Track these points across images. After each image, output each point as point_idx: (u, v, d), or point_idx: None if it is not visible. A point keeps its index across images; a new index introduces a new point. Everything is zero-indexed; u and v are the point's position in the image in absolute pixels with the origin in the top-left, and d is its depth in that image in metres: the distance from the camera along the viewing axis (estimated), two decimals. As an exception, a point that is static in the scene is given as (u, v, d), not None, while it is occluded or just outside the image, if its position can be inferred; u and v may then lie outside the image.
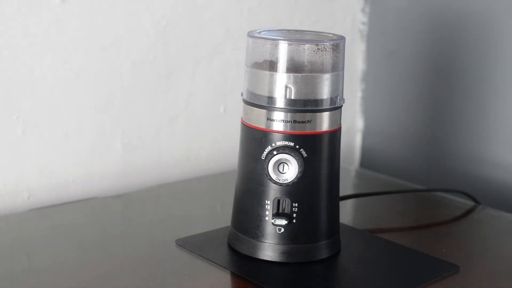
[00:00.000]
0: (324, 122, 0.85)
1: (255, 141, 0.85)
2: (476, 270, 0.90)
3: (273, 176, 0.84)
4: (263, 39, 0.85)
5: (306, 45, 0.83)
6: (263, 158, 0.84)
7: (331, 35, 0.89)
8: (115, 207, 1.05)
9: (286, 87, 0.83)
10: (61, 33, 1.04)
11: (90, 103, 1.09)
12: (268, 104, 0.84)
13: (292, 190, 0.84)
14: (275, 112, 0.84)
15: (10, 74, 1.01)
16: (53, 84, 1.05)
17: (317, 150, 0.85)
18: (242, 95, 0.88)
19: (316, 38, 0.88)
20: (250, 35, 0.86)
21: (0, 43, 0.99)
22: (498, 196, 1.20)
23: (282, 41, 0.83)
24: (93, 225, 0.99)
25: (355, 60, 1.37)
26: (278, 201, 0.85)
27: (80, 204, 1.05)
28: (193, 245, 0.90)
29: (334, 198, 0.88)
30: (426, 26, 1.19)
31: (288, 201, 0.85)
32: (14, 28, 1.00)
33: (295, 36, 0.88)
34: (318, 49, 0.83)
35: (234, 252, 0.89)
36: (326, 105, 0.85)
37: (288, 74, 0.83)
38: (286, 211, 0.85)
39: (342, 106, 0.87)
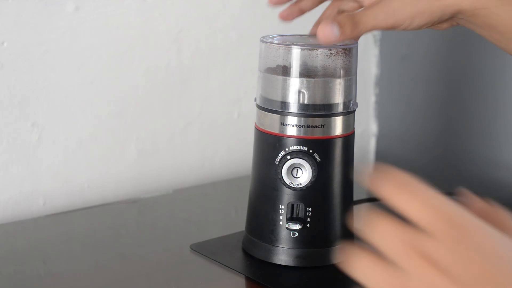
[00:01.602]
0: (338, 127, 0.85)
1: (268, 146, 0.86)
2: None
3: (287, 181, 0.84)
4: (276, 44, 0.85)
5: (319, 50, 0.83)
6: (277, 163, 0.84)
7: (344, 40, 0.89)
8: (129, 212, 1.06)
9: (299, 92, 0.84)
10: (75, 40, 1.05)
11: (105, 109, 1.10)
12: (281, 109, 0.84)
13: (306, 194, 0.85)
14: (288, 117, 0.84)
15: (25, 81, 1.02)
16: (67, 90, 1.06)
17: (330, 154, 0.85)
18: (255, 100, 0.88)
19: (329, 43, 0.88)
20: (263, 40, 0.87)
21: (15, 51, 1.00)
22: (513, 199, 1.19)
23: (295, 46, 0.84)
24: (108, 231, 0.99)
25: (369, 64, 1.37)
26: (292, 205, 0.85)
27: (95, 210, 1.05)
28: (207, 250, 0.91)
29: (348, 202, 0.88)
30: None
31: (302, 205, 0.85)
32: (29, 36, 1.01)
33: (308, 41, 0.88)
34: (331, 53, 0.84)
35: (248, 256, 0.89)
36: (339, 110, 0.85)
37: (301, 79, 0.83)
38: (300, 215, 0.85)
39: (355, 110, 0.87)
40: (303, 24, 1.29)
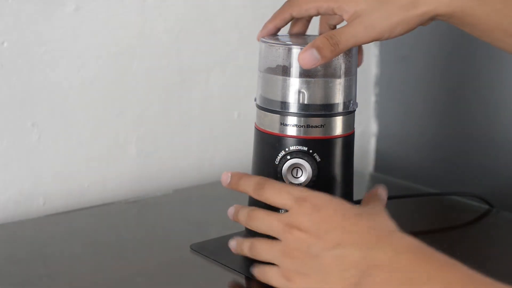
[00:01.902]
0: (338, 127, 0.85)
1: (268, 146, 0.85)
2: (491, 274, 0.90)
3: (287, 181, 0.84)
4: (276, 44, 0.85)
5: (319, 50, 0.83)
6: (277, 163, 0.84)
7: (343, 40, 0.89)
8: (130, 212, 1.06)
9: (299, 92, 0.84)
10: (75, 40, 1.05)
11: (105, 109, 1.10)
12: (281, 109, 0.84)
13: (306, 194, 0.84)
14: (288, 117, 0.84)
15: (25, 82, 1.02)
16: (67, 91, 1.06)
17: (330, 154, 0.85)
18: (255, 100, 0.88)
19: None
20: (263, 40, 0.87)
21: (15, 51, 1.00)
22: (513, 199, 1.19)
23: (295, 46, 0.84)
24: (108, 231, 0.99)
25: (369, 64, 1.37)
26: (292, 205, 0.85)
27: (95, 210, 1.05)
28: (208, 250, 0.91)
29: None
30: (438, 29, 1.19)
31: (302, 205, 0.85)
32: (29, 36, 1.01)
33: (308, 41, 0.88)
34: (331, 53, 0.84)
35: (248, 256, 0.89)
36: (339, 110, 0.85)
37: (301, 79, 0.83)
38: (300, 215, 0.85)
39: (355, 110, 0.87)
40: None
